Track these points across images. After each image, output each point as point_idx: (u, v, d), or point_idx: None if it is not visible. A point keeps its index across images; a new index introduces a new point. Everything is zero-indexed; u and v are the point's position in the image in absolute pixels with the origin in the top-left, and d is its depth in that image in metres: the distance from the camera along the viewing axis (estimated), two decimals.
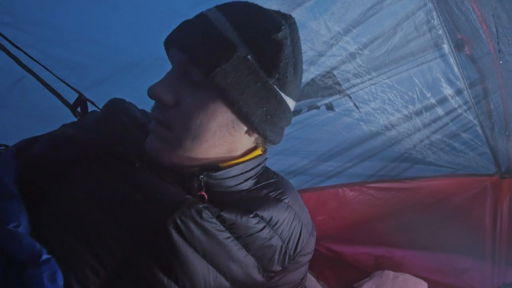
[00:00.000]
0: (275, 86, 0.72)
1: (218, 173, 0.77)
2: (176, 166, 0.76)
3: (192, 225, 0.71)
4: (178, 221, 0.70)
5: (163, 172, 0.75)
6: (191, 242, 0.71)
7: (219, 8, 0.72)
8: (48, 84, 1.26)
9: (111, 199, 0.71)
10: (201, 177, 0.75)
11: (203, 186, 0.76)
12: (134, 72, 1.43)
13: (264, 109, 0.73)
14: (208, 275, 0.73)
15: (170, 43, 0.74)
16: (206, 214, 0.72)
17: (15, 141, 0.84)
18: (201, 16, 0.72)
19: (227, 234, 0.75)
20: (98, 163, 0.76)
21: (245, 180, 0.82)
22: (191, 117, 0.71)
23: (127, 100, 0.89)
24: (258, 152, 0.85)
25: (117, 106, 0.85)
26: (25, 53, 1.20)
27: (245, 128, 0.76)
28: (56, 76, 1.24)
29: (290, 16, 0.75)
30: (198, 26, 0.71)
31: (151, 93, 0.70)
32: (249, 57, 0.69)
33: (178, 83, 0.71)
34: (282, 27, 0.70)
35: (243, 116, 0.72)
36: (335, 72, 1.68)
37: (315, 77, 1.67)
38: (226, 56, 0.67)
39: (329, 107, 1.84)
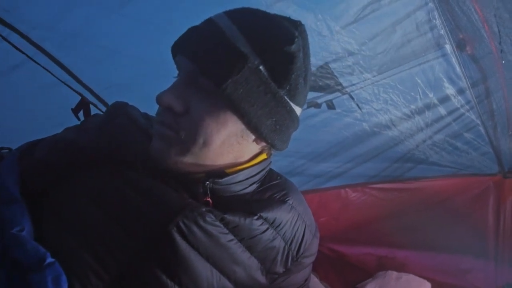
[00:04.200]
0: (285, 97, 0.72)
1: (224, 179, 0.76)
2: (181, 171, 0.75)
3: (195, 228, 0.71)
4: (181, 225, 0.70)
5: (166, 177, 0.75)
6: (194, 245, 0.71)
7: (229, 14, 0.71)
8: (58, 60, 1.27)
9: (113, 203, 0.71)
10: (207, 184, 0.75)
11: (209, 192, 0.76)
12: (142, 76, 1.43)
13: (274, 119, 0.73)
14: (212, 278, 0.73)
15: (178, 50, 0.73)
16: (209, 217, 0.72)
17: (17, 143, 0.84)
18: (210, 23, 0.70)
19: (230, 237, 0.75)
20: (100, 168, 0.76)
21: (250, 185, 0.82)
22: (201, 125, 0.70)
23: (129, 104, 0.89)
24: (263, 156, 0.85)
25: (119, 110, 0.84)
26: (27, 55, 1.21)
27: (253, 137, 0.75)
28: (59, 78, 1.25)
29: (300, 23, 0.73)
30: (208, 34, 0.69)
31: (161, 100, 0.69)
32: (260, 68, 0.68)
33: (187, 91, 0.70)
34: (296, 40, 0.69)
35: (253, 127, 0.71)
36: (336, 72, 1.68)
37: (316, 76, 1.67)
38: (237, 67, 0.65)
39: (330, 106, 1.83)
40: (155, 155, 0.73)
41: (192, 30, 0.72)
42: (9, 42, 1.19)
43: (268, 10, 0.74)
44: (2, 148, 0.86)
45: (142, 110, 0.90)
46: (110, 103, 0.93)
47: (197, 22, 0.73)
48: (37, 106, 1.45)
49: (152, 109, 0.91)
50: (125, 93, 1.40)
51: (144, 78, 1.45)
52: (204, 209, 0.72)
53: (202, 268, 0.72)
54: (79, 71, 1.41)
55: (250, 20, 0.71)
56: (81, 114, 1.21)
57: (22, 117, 1.48)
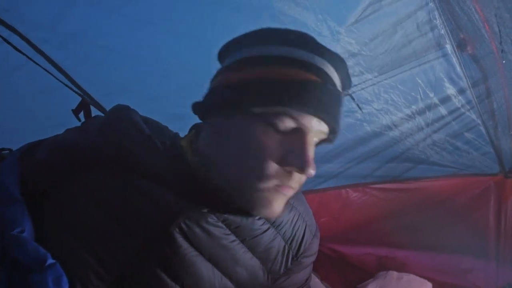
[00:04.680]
0: None
1: None
2: None
3: (197, 229, 0.71)
4: (183, 225, 0.70)
5: (171, 182, 0.75)
6: (196, 246, 0.71)
7: (331, 62, 0.73)
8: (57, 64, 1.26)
9: (114, 203, 0.71)
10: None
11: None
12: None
13: None
14: (214, 278, 0.73)
15: (316, 112, 0.69)
16: (211, 218, 0.73)
17: (18, 144, 0.84)
18: (331, 82, 0.71)
19: (232, 237, 0.75)
20: (101, 170, 0.76)
21: None
22: None
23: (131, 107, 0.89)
24: None
25: (122, 114, 0.84)
26: (27, 57, 1.21)
27: None
28: (59, 79, 1.24)
29: None
30: (336, 98, 0.72)
31: (310, 173, 0.69)
32: None
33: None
34: None
35: None
36: None
37: None
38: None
39: None
40: (275, 216, 0.75)
41: (334, 97, 0.72)
42: (10, 44, 1.19)
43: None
44: (3, 149, 0.86)
45: (141, 110, 0.90)
46: (108, 104, 0.93)
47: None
48: (37, 107, 1.45)
49: (149, 110, 0.91)
50: (124, 94, 1.40)
51: (142, 79, 1.44)
52: (206, 210, 0.73)
53: (204, 268, 0.72)
54: (78, 72, 1.41)
55: (344, 68, 0.76)
56: (81, 115, 1.21)
57: (22, 118, 1.48)
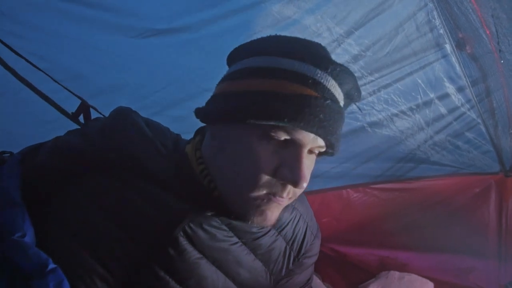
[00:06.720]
0: None
1: None
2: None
3: (201, 232, 0.71)
4: (187, 229, 0.70)
5: (175, 186, 0.75)
6: (200, 249, 0.71)
7: (333, 76, 0.70)
8: (46, 95, 1.26)
9: (118, 208, 0.71)
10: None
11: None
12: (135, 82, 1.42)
13: None
14: (217, 280, 0.73)
15: (319, 131, 0.68)
16: (215, 221, 0.73)
17: (19, 147, 0.84)
18: (333, 99, 0.70)
19: (235, 240, 0.76)
20: (104, 174, 0.75)
21: None
22: None
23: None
24: None
25: (124, 116, 0.84)
26: (26, 60, 1.20)
27: None
28: (58, 83, 1.24)
29: None
30: (337, 116, 0.70)
31: (302, 186, 0.68)
32: None
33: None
34: None
35: None
36: None
37: None
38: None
39: None
40: (269, 225, 0.75)
41: (333, 112, 0.69)
42: (10, 48, 1.19)
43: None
44: (4, 152, 0.86)
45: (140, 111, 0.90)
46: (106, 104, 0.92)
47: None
48: (37, 110, 1.45)
49: (144, 108, 0.90)
50: (118, 93, 1.40)
51: (137, 78, 1.44)
52: (209, 213, 0.73)
53: (208, 271, 0.72)
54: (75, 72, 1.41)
55: (351, 81, 0.73)
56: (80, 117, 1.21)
57: (23, 121, 1.48)
